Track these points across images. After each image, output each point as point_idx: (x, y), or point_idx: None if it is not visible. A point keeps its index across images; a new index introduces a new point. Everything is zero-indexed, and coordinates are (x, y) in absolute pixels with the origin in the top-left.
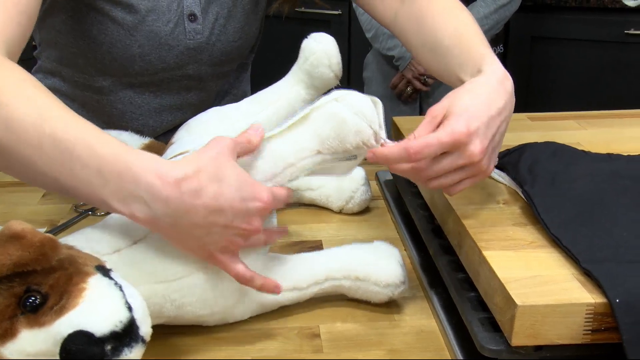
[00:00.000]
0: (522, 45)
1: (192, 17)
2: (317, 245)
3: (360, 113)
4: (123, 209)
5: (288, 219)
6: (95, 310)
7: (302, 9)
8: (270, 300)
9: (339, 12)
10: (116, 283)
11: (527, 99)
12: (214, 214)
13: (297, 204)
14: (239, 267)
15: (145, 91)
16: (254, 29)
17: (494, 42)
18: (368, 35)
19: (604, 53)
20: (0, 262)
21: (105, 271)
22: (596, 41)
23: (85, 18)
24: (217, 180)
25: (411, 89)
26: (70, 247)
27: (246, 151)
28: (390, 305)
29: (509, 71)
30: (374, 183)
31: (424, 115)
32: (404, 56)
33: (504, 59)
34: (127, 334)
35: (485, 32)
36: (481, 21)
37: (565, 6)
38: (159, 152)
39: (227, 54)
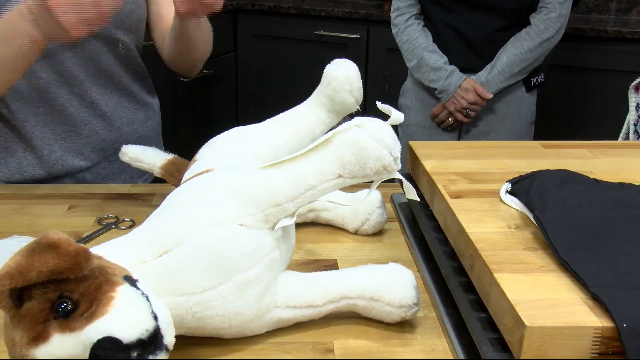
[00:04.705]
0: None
1: None
2: (332, 264)
3: (381, 140)
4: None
5: (305, 238)
6: (123, 318)
7: (321, 32)
8: (287, 316)
9: (357, 35)
10: (143, 293)
11: (543, 127)
12: None
13: (314, 223)
14: None
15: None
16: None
17: (535, 71)
18: (409, 64)
19: (624, 83)
20: (37, 269)
21: (132, 281)
22: (616, 71)
23: None
24: None
25: (452, 119)
26: (100, 257)
27: None
28: (403, 324)
29: None
30: (388, 205)
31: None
32: (447, 89)
33: (544, 87)
34: (153, 342)
35: (529, 65)
36: (525, 55)
37: (583, 35)
38: (182, 168)
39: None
